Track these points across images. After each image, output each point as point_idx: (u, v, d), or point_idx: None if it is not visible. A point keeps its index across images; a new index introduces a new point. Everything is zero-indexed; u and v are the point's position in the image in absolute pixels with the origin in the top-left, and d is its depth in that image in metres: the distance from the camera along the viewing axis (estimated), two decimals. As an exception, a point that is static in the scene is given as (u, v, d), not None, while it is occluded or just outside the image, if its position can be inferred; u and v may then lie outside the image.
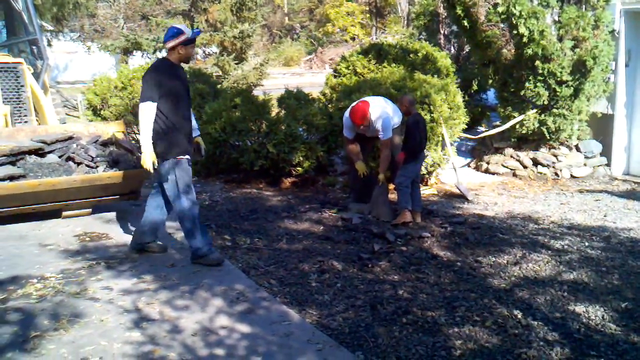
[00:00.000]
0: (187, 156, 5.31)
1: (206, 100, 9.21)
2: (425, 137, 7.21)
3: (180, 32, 5.17)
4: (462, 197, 8.12)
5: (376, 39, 33.89)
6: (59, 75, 27.72)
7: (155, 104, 5.08)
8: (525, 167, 9.89)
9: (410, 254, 5.70)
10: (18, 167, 6.30)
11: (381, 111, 7.00)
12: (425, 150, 7.31)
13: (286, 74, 35.21)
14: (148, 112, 5.08)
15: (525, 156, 9.94)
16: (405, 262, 5.46)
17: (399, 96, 7.40)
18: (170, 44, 5.17)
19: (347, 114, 7.12)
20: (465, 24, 9.90)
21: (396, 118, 7.10)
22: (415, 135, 6.86)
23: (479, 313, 4.37)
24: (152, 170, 5.23)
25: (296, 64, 43.72)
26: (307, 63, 42.48)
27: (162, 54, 14.96)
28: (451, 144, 8.68)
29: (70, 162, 6.63)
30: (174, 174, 5.22)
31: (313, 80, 26.62)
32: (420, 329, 4.12)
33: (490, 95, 13.70)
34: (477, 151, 10.89)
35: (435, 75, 9.57)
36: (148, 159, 5.15)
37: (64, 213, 6.57)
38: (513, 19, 9.02)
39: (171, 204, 5.40)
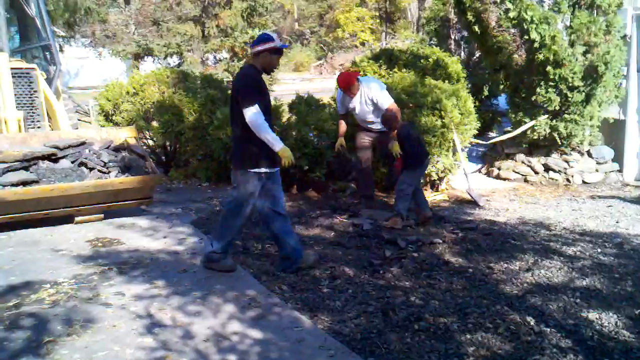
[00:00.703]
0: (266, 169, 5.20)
1: (217, 106, 9.22)
2: (423, 143, 7.41)
3: (270, 39, 5.13)
4: (474, 203, 8.10)
5: (386, 44, 33.91)
6: (70, 81, 27.88)
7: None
8: (536, 172, 9.85)
9: (421, 260, 5.69)
10: (31, 173, 6.36)
11: (373, 82, 7.36)
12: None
13: (296, 79, 35.30)
14: (259, 113, 4.97)
15: (537, 162, 9.90)
16: (416, 268, 5.44)
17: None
18: (258, 48, 5.11)
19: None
20: (476, 29, 9.90)
21: None
22: (413, 143, 6.93)
23: (492, 320, 4.35)
24: (294, 163, 5.27)
25: (306, 69, 43.86)
26: (317, 68, 42.59)
27: (174, 59, 15.07)
28: (462, 150, 8.66)
29: (83, 168, 6.68)
30: (242, 186, 5.17)
31: (323, 85, 26.62)
32: (433, 336, 4.11)
33: (501, 100, 13.68)
34: (488, 157, 10.86)
35: (446, 81, 9.57)
36: (289, 153, 5.18)
37: (77, 218, 6.61)
38: (524, 24, 9.01)
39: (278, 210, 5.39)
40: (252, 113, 4.95)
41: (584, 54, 9.16)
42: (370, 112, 7.29)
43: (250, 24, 16.36)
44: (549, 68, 9.11)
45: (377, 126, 7.33)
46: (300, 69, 44.13)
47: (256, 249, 5.99)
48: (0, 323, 4.22)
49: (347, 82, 7.22)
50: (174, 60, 15.81)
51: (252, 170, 5.11)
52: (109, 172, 6.68)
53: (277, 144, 5.09)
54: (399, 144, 6.83)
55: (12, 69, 7.35)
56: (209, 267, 5.30)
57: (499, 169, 10.21)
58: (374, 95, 7.16)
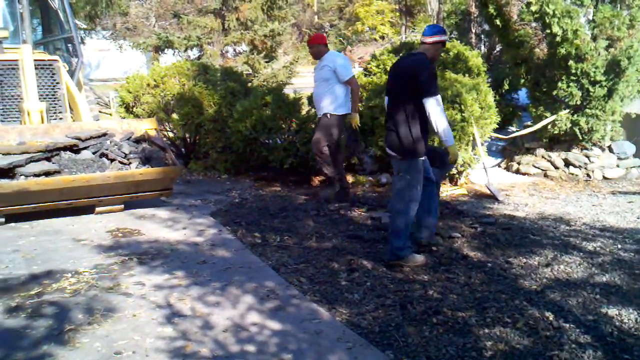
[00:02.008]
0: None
1: (237, 98, 9.26)
2: None
3: (444, 32, 5.41)
4: (493, 198, 8.06)
5: (406, 37, 33.77)
6: (91, 73, 28.10)
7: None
8: (556, 167, 9.78)
9: (440, 254, 5.68)
10: (53, 163, 6.43)
11: (340, 55, 7.64)
12: None
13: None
14: (441, 104, 5.14)
15: (557, 157, 9.83)
16: (435, 262, 5.44)
17: None
18: (436, 38, 5.30)
19: None
20: (498, 22, 9.83)
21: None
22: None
23: (510, 314, 4.34)
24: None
25: (325, 62, 43.60)
26: (336, 62, 42.35)
27: (194, 52, 15.13)
28: (482, 144, 8.62)
29: (104, 159, 6.75)
30: (411, 173, 5.25)
31: (342, 78, 26.56)
32: (451, 330, 4.11)
33: (522, 94, 13.58)
34: (507, 151, 10.80)
35: (466, 75, 9.50)
36: (457, 151, 5.45)
37: (97, 209, 6.67)
38: (546, 18, 8.93)
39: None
40: (436, 102, 5.07)
41: (607, 48, 9.07)
42: (323, 79, 7.38)
43: (270, 17, 16.35)
44: (570, 62, 9.03)
45: (320, 103, 7.42)
46: (319, 62, 43.99)
47: (274, 241, 6.01)
48: (22, 311, 4.28)
49: (315, 39, 7.70)
50: (194, 53, 15.86)
51: (421, 159, 5.26)
52: (130, 163, 6.74)
53: (450, 139, 5.27)
54: None
55: (35, 60, 7.42)
56: (396, 264, 5.27)
57: (518, 163, 10.15)
58: (336, 63, 7.31)
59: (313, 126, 8.39)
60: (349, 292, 4.76)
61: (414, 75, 5.12)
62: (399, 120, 5.19)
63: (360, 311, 4.40)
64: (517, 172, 10.04)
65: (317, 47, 7.54)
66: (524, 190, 8.78)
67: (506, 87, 13.13)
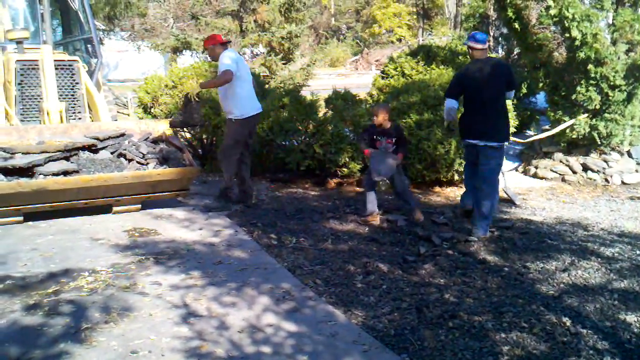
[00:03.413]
0: None
1: (254, 100, 9.29)
2: None
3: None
4: (510, 202, 8.01)
5: (423, 40, 33.70)
6: (109, 73, 28.31)
7: None
8: (574, 172, 9.71)
9: (456, 257, 5.66)
10: (72, 163, 6.47)
11: (229, 51, 6.96)
12: None
13: (332, 74, 35.29)
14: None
15: (575, 161, 9.76)
16: (451, 266, 5.41)
17: (376, 107, 7.15)
18: (486, 45, 6.43)
19: None
20: (516, 26, 9.77)
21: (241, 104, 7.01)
22: (407, 140, 7.07)
23: (527, 319, 4.32)
24: None
25: (342, 64, 43.81)
26: (353, 64, 42.50)
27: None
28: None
29: (122, 159, 6.78)
30: (501, 158, 6.43)
31: (359, 81, 26.62)
32: (467, 334, 4.09)
33: (540, 98, 13.51)
34: (525, 155, 10.74)
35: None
36: None
37: (115, 208, 6.71)
38: (565, 22, 8.88)
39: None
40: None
41: (627, 52, 9.00)
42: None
43: (287, 19, 16.38)
44: (590, 66, 8.96)
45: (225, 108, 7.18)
46: (336, 64, 44.09)
47: (290, 243, 6.02)
48: (40, 309, 4.31)
49: (208, 40, 7.15)
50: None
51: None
52: (147, 163, 6.77)
53: None
54: (398, 140, 6.81)
55: (55, 61, 7.47)
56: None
57: (536, 167, 10.09)
58: (220, 61, 6.82)
59: (330, 128, 8.39)
60: (365, 294, 4.75)
61: (506, 73, 6.43)
62: (497, 112, 6.36)
63: (376, 314, 4.39)
64: (535, 176, 9.98)
65: (210, 49, 7.08)
66: (541, 195, 8.72)
67: (524, 90, 13.06)
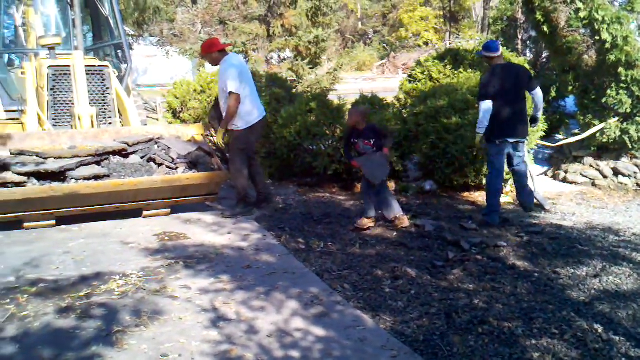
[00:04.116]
0: None
1: (282, 105, 9.33)
2: None
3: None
4: (539, 206, 7.93)
5: (450, 44, 33.54)
6: (138, 78, 28.60)
7: None
8: (605, 177, 9.58)
9: (485, 263, 5.62)
10: (102, 167, 6.56)
11: (233, 60, 6.95)
12: None
13: (358, 79, 35.28)
14: None
15: (606, 166, 9.63)
16: (480, 271, 5.38)
17: (352, 110, 7.13)
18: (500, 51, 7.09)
19: None
20: (545, 29, 9.68)
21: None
22: (384, 132, 6.92)
23: (558, 326, 4.27)
24: None
25: (368, 68, 43.80)
26: (380, 68, 42.45)
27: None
28: (528, 152, 8.50)
29: (152, 163, 6.85)
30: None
31: (385, 85, 26.57)
32: (497, 340, 4.06)
33: (570, 102, 13.35)
34: (554, 159, 10.62)
35: (513, 82, 9.39)
36: None
37: (145, 212, 6.78)
38: (595, 25, 8.77)
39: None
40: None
41: (658, 55, 8.86)
42: (220, 87, 7.01)
43: (314, 23, 16.41)
44: (620, 69, 8.85)
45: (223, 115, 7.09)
46: (362, 68, 44.09)
47: (318, 247, 6.03)
48: (72, 312, 4.37)
49: (206, 47, 7.00)
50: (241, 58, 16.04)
51: None
52: (177, 168, 6.83)
53: None
54: (378, 138, 6.66)
55: (86, 66, 7.58)
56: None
57: (565, 172, 9.97)
58: (221, 73, 6.83)
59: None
60: (393, 299, 4.74)
61: (528, 74, 7.17)
62: (521, 107, 7.02)
63: (405, 319, 4.38)
64: (564, 180, 9.86)
65: (209, 56, 7.05)
66: (571, 200, 8.63)
67: (553, 94, 12.93)
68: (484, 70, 9.64)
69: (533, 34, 13.76)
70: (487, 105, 6.82)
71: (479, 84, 7.27)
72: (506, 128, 6.94)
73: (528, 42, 15.39)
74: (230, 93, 6.81)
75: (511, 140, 6.98)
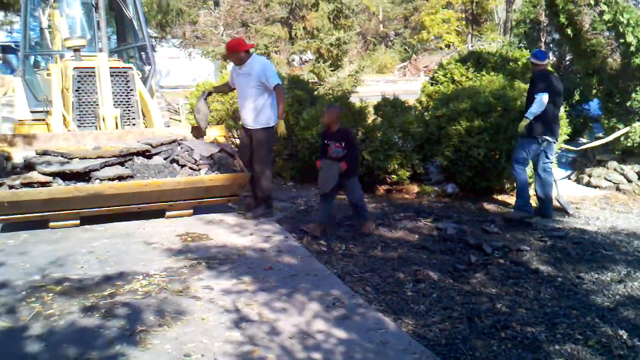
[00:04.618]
0: None
1: (304, 107, 9.34)
2: None
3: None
4: (562, 211, 7.87)
5: (472, 46, 33.38)
6: (161, 80, 28.78)
7: None
8: (629, 181, 9.47)
9: (508, 267, 5.59)
10: (126, 168, 6.61)
11: (265, 59, 7.11)
12: None
13: (380, 81, 35.22)
14: None
15: (630, 170, 9.52)
16: (503, 275, 5.35)
17: (326, 110, 6.94)
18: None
19: None
20: (569, 32, 9.60)
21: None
22: (356, 146, 6.78)
23: (582, 331, 4.24)
24: None
25: (390, 71, 43.70)
26: (401, 70, 42.35)
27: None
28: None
29: (175, 164, 6.90)
30: None
31: (407, 87, 26.49)
32: (520, 345, 4.04)
33: (593, 105, 13.23)
34: (578, 163, 10.53)
35: (536, 85, 9.33)
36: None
37: (167, 213, 6.83)
38: (620, 28, 8.68)
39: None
40: None
41: (685, 58, 8.75)
42: (248, 87, 6.91)
43: (336, 25, 16.42)
44: (645, 73, 8.75)
45: (250, 114, 6.97)
46: (383, 70, 44.02)
47: (340, 249, 6.03)
48: (96, 311, 4.42)
49: (234, 47, 6.90)
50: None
51: None
52: (200, 169, 6.87)
53: None
54: (350, 147, 6.50)
55: (110, 68, 7.65)
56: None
57: (589, 176, 9.88)
58: (259, 70, 6.82)
59: (379, 135, 8.38)
60: (415, 302, 4.74)
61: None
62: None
63: (427, 322, 4.37)
64: (588, 184, 9.77)
65: (235, 56, 6.93)
66: (595, 204, 8.55)
67: (577, 97, 12.83)
68: (507, 74, 9.62)
69: (556, 36, 13.65)
70: (546, 98, 7.23)
71: (534, 81, 7.48)
72: (550, 127, 7.38)
73: (551, 45, 15.26)
74: (278, 85, 6.85)
75: (551, 140, 7.37)
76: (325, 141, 6.58)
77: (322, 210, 6.66)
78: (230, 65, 7.81)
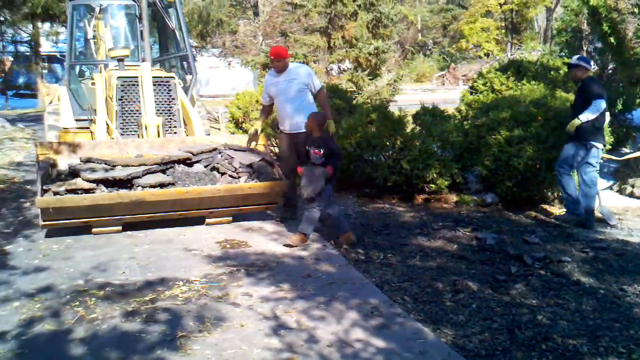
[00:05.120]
0: None
1: (342, 116, 9.37)
2: None
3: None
4: (604, 221, 7.73)
5: (511, 55, 33.07)
6: (201, 89, 29.17)
7: None
8: (674, 192, 9.27)
9: (549, 278, 5.51)
10: (168, 175, 6.72)
11: (308, 67, 7.35)
12: None
13: (417, 90, 35.15)
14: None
15: (676, 180, 9.32)
16: (544, 287, 5.28)
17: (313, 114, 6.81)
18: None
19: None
20: (612, 40, 9.50)
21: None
22: (338, 155, 6.65)
23: (625, 345, 4.16)
24: None
25: (428, 80, 43.56)
26: (439, 79, 42.18)
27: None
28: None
29: (215, 172, 6.98)
30: None
31: (445, 96, 26.38)
32: (561, 357, 3.98)
33: (637, 115, 12.97)
34: (620, 173, 10.33)
35: (578, 94, 9.21)
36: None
37: (207, 220, 6.92)
38: (665, 36, 8.55)
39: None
40: None
41: None
42: (294, 91, 7.06)
43: (374, 35, 16.44)
44: (691, 82, 8.58)
45: (298, 118, 7.03)
46: (422, 79, 43.90)
47: (378, 258, 6.03)
48: (138, 316, 4.50)
49: (278, 53, 7.06)
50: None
51: None
52: (239, 177, 6.94)
53: None
54: (329, 156, 6.42)
55: (153, 77, 7.80)
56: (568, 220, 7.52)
57: (632, 186, 9.68)
58: (305, 74, 7.09)
59: (418, 144, 8.35)
60: (454, 313, 4.71)
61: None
62: None
63: (466, 333, 4.34)
64: (631, 195, 9.58)
65: (282, 61, 7.06)
66: (638, 215, 8.37)
67: (620, 106, 12.57)
68: (548, 83, 9.52)
69: (599, 45, 13.43)
70: (604, 105, 7.22)
71: (589, 87, 7.37)
72: (600, 134, 7.39)
73: (593, 54, 15.03)
74: (322, 87, 7.27)
75: (599, 146, 7.37)
76: (307, 147, 6.55)
77: (305, 220, 6.45)
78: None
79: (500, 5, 39.81)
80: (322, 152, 6.39)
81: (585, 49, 14.86)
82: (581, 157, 7.37)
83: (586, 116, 7.15)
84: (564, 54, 14.97)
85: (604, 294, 5.15)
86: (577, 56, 7.78)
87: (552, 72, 10.11)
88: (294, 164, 7.07)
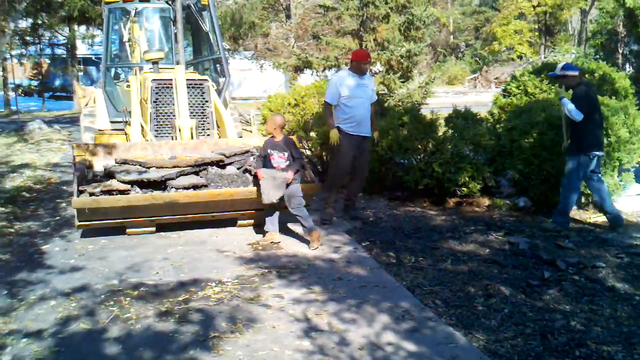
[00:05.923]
0: None
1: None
2: None
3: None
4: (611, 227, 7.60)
5: (545, 58, 32.69)
6: (233, 91, 29.39)
7: None
8: None
9: (583, 283, 5.44)
10: (201, 177, 6.79)
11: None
12: None
13: (449, 92, 34.94)
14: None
15: None
16: (577, 292, 5.22)
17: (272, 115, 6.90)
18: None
19: (338, 73, 7.84)
20: (649, 43, 9.33)
21: None
22: (302, 157, 6.74)
23: (661, 352, 4.10)
24: None
25: (459, 82, 43.28)
26: (471, 82, 41.87)
27: (331, 72, 15.48)
28: (629, 170, 8.19)
29: (247, 174, 7.04)
30: None
31: (477, 99, 26.19)
32: (595, 364, 3.94)
33: (674, 119, 12.73)
34: (657, 178, 10.16)
35: (613, 97, 9.08)
36: None
37: (239, 222, 6.98)
38: None
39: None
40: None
41: None
42: (369, 95, 7.48)
43: (406, 37, 16.37)
44: None
45: (369, 122, 7.48)
46: (453, 82, 43.63)
47: (409, 261, 6.02)
48: (171, 316, 4.56)
49: (369, 55, 7.52)
50: (331, 73, 16.17)
51: None
52: (271, 179, 6.98)
53: None
54: (294, 158, 6.51)
55: (187, 80, 7.88)
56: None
57: (669, 192, 9.52)
58: (373, 82, 7.60)
59: (450, 147, 8.31)
60: (486, 317, 4.68)
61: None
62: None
63: (498, 338, 4.32)
64: (668, 200, 9.41)
65: (367, 64, 7.47)
66: (675, 221, 8.23)
67: (655, 110, 12.38)
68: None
69: (635, 47, 13.26)
70: (580, 116, 7.12)
71: (576, 98, 7.26)
72: (600, 143, 7.31)
73: (629, 56, 14.83)
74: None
75: (599, 154, 7.28)
76: (269, 150, 6.53)
77: (303, 219, 6.45)
78: (302, 77, 8.03)
79: (534, 7, 39.42)
80: (286, 156, 6.47)
81: (620, 51, 14.69)
82: (588, 167, 7.28)
83: (568, 109, 7.21)
84: (598, 56, 14.78)
85: (639, 300, 5.07)
86: (560, 64, 7.67)
87: (586, 75, 9.96)
88: (352, 167, 7.45)
